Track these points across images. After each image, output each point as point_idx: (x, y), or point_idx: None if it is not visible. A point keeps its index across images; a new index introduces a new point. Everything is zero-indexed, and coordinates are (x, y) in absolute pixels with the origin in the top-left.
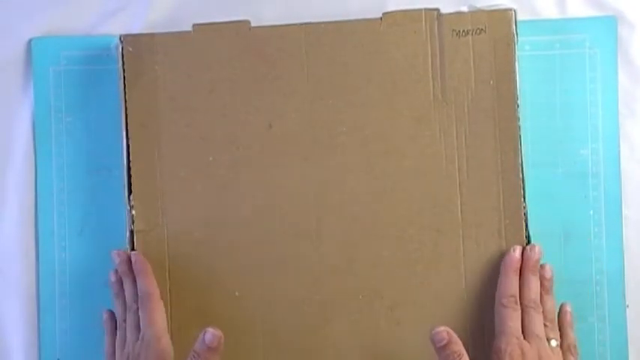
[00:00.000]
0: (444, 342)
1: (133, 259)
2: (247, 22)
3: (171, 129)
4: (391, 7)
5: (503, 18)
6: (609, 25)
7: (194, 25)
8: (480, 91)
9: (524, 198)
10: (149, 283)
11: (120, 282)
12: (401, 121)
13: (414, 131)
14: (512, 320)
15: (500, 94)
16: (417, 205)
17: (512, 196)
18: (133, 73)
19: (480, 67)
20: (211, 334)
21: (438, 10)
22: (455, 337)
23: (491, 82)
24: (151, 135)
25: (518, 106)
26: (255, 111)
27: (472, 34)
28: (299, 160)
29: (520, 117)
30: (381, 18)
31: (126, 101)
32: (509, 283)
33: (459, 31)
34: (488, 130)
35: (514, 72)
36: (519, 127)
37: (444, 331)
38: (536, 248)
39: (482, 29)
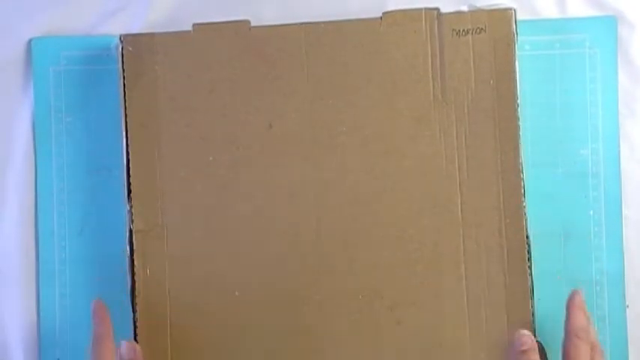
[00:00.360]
0: (526, 347)
1: (92, 305)
2: (247, 22)
3: (171, 129)
4: (391, 7)
5: (503, 17)
6: (609, 25)
7: (194, 25)
8: (480, 91)
9: (525, 197)
10: (101, 324)
11: None
12: (401, 121)
13: (414, 131)
14: (585, 354)
15: (500, 94)
16: (417, 205)
17: (512, 195)
18: (133, 73)
19: (479, 67)
20: (125, 346)
21: (437, 9)
22: (535, 345)
23: (491, 82)
24: (150, 135)
25: (518, 105)
26: (255, 111)
27: (472, 33)
28: (299, 160)
29: (520, 117)
30: (381, 18)
31: (126, 101)
32: (581, 317)
33: (459, 31)
34: (488, 130)
35: (514, 72)
36: (519, 127)
37: (529, 336)
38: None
39: (482, 29)
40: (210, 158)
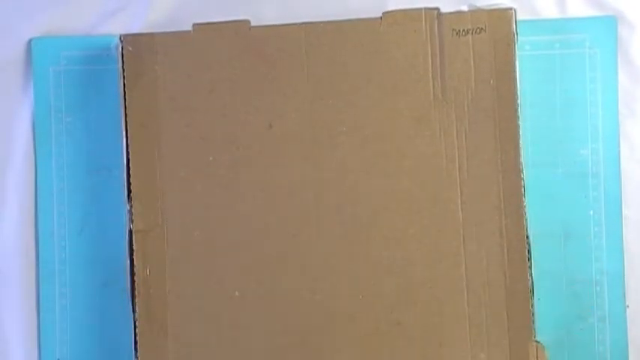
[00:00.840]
0: None
1: None
2: (247, 21)
3: (171, 129)
4: (391, 7)
5: (503, 17)
6: (609, 25)
7: (194, 25)
8: (480, 91)
9: (525, 197)
10: None
11: None
12: (401, 121)
13: (414, 131)
14: None
15: (500, 94)
16: (417, 205)
17: (512, 195)
18: (133, 73)
19: (480, 67)
20: None
21: (437, 9)
22: None
23: (492, 82)
24: (150, 135)
25: (518, 105)
26: (255, 111)
27: (472, 33)
28: (299, 160)
29: (520, 117)
30: (381, 17)
31: (126, 101)
32: None
33: (459, 31)
34: (488, 129)
35: (514, 72)
36: (519, 127)
37: None
38: None
39: (482, 28)
40: (210, 158)
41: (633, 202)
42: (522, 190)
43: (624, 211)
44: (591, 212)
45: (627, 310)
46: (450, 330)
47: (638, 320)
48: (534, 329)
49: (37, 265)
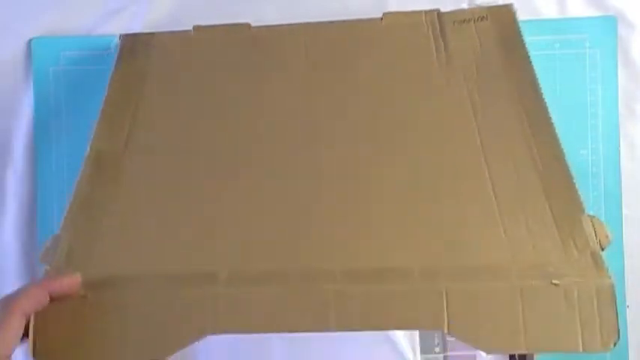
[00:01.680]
0: None
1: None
2: (247, 25)
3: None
4: (391, 8)
5: (504, 9)
6: (609, 25)
7: (194, 27)
8: (488, 73)
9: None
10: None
11: None
12: (404, 118)
13: (417, 130)
14: None
15: (511, 62)
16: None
17: (547, 146)
18: (130, 72)
19: (486, 49)
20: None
21: (438, 10)
22: None
23: (500, 64)
24: (127, 110)
25: (530, 61)
26: (253, 111)
27: (474, 21)
28: (298, 148)
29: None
30: (381, 18)
31: (110, 87)
32: None
33: (461, 21)
34: (509, 113)
35: (523, 45)
36: (542, 92)
37: None
38: None
39: (483, 17)
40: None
41: (633, 202)
42: (557, 136)
43: (624, 211)
44: (591, 212)
45: (627, 310)
46: (476, 213)
47: (638, 320)
48: (583, 203)
49: (37, 265)
